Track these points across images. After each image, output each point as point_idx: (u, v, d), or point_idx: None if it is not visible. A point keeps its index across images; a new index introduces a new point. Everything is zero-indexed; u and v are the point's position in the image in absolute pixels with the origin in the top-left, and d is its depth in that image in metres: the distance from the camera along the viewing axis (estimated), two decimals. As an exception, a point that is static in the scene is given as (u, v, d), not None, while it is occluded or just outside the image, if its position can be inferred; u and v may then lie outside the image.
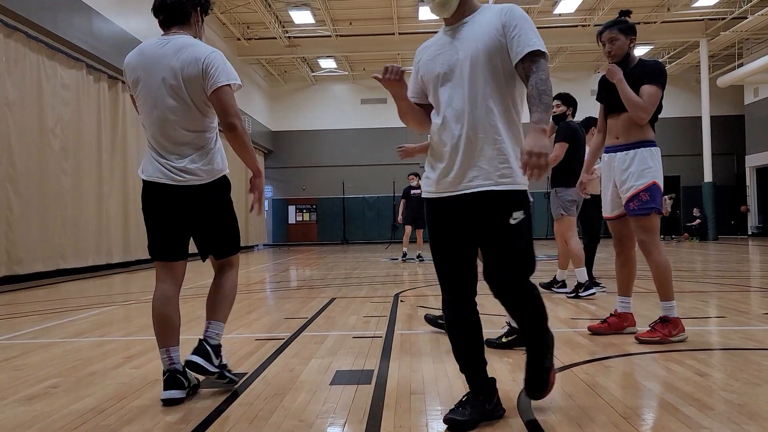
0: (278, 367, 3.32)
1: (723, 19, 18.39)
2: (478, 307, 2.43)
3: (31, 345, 4.18)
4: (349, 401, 2.64)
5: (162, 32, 2.97)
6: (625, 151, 3.81)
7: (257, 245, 22.01)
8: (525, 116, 2.29)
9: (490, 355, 3.47)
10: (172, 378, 2.70)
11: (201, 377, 2.82)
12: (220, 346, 2.87)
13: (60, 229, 9.68)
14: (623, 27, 3.92)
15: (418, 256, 12.21)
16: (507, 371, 3.09)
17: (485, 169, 2.22)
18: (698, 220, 20.56)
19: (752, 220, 22.27)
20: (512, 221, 2.22)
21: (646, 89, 3.71)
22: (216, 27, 17.74)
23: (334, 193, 24.05)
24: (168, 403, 2.63)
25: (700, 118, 20.23)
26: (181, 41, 2.84)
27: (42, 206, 9.24)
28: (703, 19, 19.03)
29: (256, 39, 19.48)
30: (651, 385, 2.82)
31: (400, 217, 12.15)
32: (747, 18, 17.45)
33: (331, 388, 2.87)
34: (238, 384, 2.92)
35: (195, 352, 2.77)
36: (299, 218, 24.64)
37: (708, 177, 20.02)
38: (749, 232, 22.26)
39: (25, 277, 8.80)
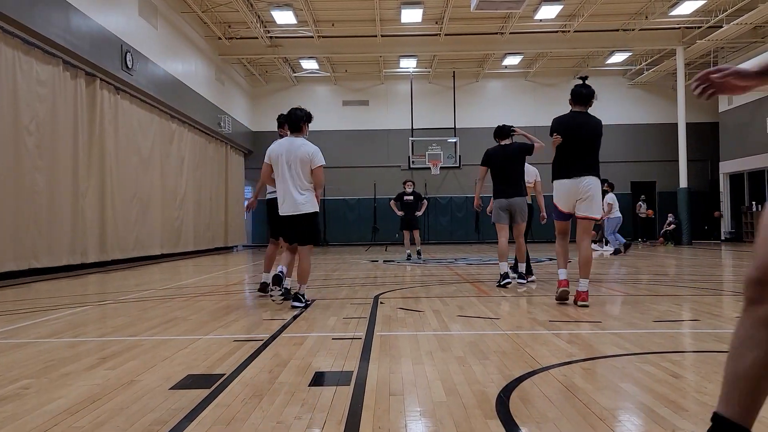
0: (256, 368, 3.30)
1: (699, 27, 18.72)
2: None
3: (2, 345, 4.09)
4: (328, 402, 2.63)
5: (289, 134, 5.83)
6: None
7: (236, 246, 21.84)
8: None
9: (469, 354, 3.49)
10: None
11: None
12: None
13: (33, 228, 9.50)
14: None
15: (418, 254, 13.39)
16: (485, 372, 3.10)
17: None
18: (673, 225, 20.88)
19: (725, 226, 22.68)
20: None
21: None
22: (197, 26, 17.59)
23: (314, 195, 23.92)
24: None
25: (676, 125, 20.55)
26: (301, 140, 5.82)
27: (15, 205, 9.06)
28: (680, 28, 19.34)
29: (237, 38, 19.33)
30: (627, 386, 2.86)
31: (400, 212, 13.36)
32: (722, 27, 17.78)
33: (309, 389, 2.85)
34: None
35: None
36: (279, 219, 24.49)
37: (683, 183, 20.34)
38: (722, 237, 22.66)
39: (-4, 276, 8.63)
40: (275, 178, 5.78)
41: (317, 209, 5.77)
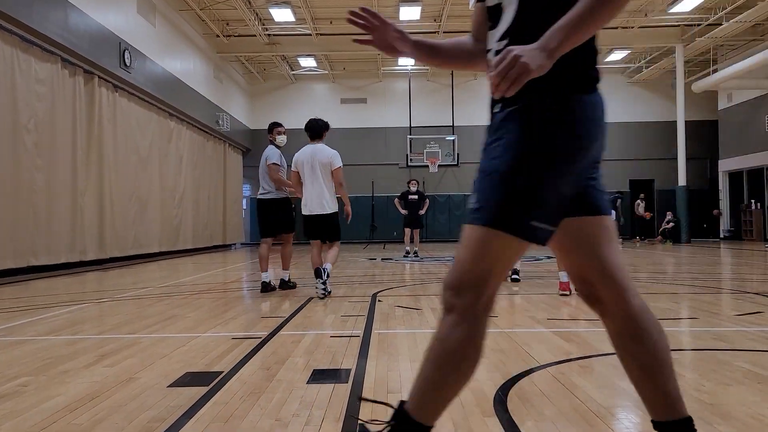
0: (254, 366, 3.30)
1: (699, 25, 18.73)
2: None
3: (1, 343, 4.09)
4: (326, 400, 2.63)
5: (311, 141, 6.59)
6: None
7: (234, 244, 21.84)
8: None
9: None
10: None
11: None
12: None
13: (32, 225, 9.50)
14: None
15: (415, 253, 13.69)
16: (484, 370, 3.11)
17: None
18: (671, 224, 20.90)
19: (724, 224, 22.70)
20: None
21: None
22: (195, 24, 17.56)
23: (313, 193, 23.90)
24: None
25: (675, 123, 20.56)
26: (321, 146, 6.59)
27: (14, 203, 9.05)
28: (679, 25, 19.35)
29: (235, 36, 19.32)
30: (625, 384, 2.86)
31: (404, 211, 13.85)
32: (722, 25, 17.79)
33: (307, 387, 2.86)
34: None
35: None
36: (278, 217, 24.50)
37: (682, 181, 20.36)
38: (721, 236, 22.69)
39: (-6, 274, 8.63)
40: (303, 182, 6.55)
41: (337, 209, 6.60)
